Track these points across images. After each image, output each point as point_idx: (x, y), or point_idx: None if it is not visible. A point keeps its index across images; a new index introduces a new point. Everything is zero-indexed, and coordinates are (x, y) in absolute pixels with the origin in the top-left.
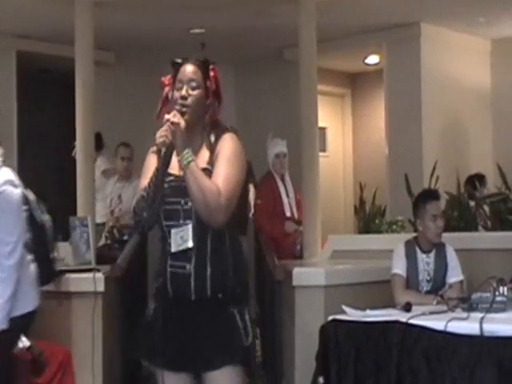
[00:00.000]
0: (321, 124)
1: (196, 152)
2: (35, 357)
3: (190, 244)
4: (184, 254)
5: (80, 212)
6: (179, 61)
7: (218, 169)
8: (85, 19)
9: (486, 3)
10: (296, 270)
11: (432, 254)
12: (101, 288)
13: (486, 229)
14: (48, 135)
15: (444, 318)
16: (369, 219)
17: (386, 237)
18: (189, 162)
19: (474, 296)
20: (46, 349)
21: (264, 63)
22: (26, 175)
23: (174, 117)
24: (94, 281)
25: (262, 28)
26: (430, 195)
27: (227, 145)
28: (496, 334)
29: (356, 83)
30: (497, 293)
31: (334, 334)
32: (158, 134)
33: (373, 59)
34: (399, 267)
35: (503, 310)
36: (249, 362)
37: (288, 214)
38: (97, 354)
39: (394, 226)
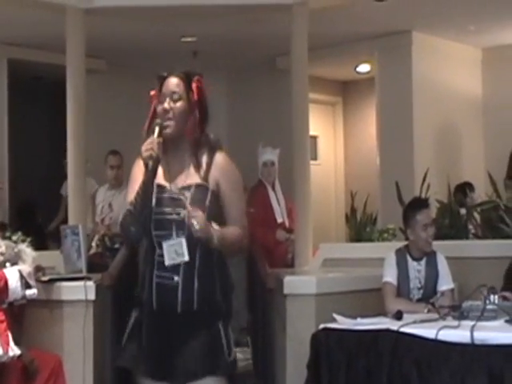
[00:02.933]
0: (312, 132)
1: (184, 166)
2: (26, 365)
3: (187, 258)
4: (172, 265)
5: (71, 220)
6: (164, 74)
7: (231, 206)
8: (76, 27)
9: (477, 12)
10: (287, 279)
11: (423, 262)
12: (92, 296)
13: (477, 237)
14: (39, 142)
15: (435, 327)
16: (360, 227)
17: (377, 245)
18: (212, 238)
19: (465, 304)
20: (38, 357)
21: (256, 71)
22: (18, 182)
23: (150, 150)
24: (85, 289)
25: (254, 36)
26: (420, 204)
27: (226, 170)
28: (487, 343)
29: (347, 91)
30: (487, 301)
31: (325, 342)
32: (144, 147)
33: (364, 68)
34: (390, 275)
35: (494, 319)
36: (232, 378)
37: (279, 220)
38: (88, 362)
39: (386, 234)
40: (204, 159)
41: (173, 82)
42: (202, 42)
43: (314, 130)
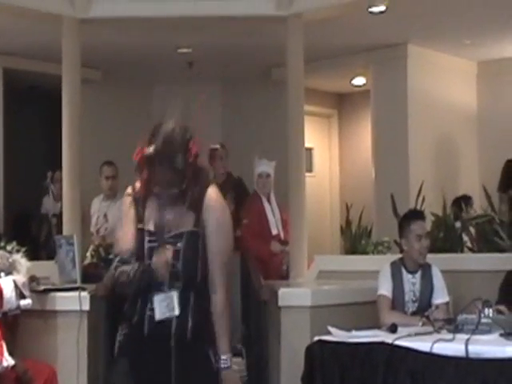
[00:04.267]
0: (307, 144)
1: (177, 208)
2: (20, 375)
3: (177, 312)
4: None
5: (66, 230)
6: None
7: (211, 249)
8: (72, 37)
9: (472, 25)
10: (282, 291)
11: (418, 275)
12: (86, 307)
13: (472, 250)
14: (34, 152)
15: (430, 340)
16: (355, 240)
17: (372, 257)
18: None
19: (460, 317)
20: (32, 367)
21: (251, 83)
22: (12, 192)
23: None
24: (79, 299)
25: (250, 47)
26: (415, 215)
27: (213, 210)
28: (481, 356)
29: (343, 104)
30: (482, 314)
31: (319, 355)
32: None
33: (360, 81)
34: (385, 288)
35: (488, 332)
36: None
37: (274, 232)
38: (82, 373)
39: (380, 247)
40: (195, 198)
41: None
42: (198, 53)
43: (309, 142)
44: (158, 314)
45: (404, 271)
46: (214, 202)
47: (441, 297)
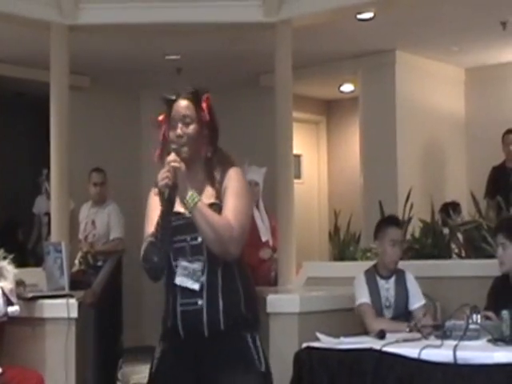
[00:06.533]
0: (296, 151)
1: (200, 187)
2: (7, 383)
3: (196, 287)
4: (185, 286)
5: (54, 237)
6: (172, 97)
7: (227, 203)
8: (60, 43)
9: (460, 32)
10: (270, 297)
11: (391, 281)
12: (74, 314)
13: (460, 256)
14: (22, 159)
15: (418, 346)
16: (343, 246)
17: (360, 264)
18: (195, 203)
19: (448, 323)
20: (19, 375)
21: (240, 89)
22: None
23: (174, 161)
24: (67, 307)
25: (238, 54)
26: (393, 221)
27: (234, 180)
28: (469, 362)
29: (331, 110)
30: (470, 320)
31: (308, 361)
32: (160, 175)
33: (348, 87)
34: (364, 296)
35: (477, 338)
36: None
37: (264, 238)
38: (70, 380)
39: (369, 253)
40: (218, 177)
41: (183, 105)
42: (186, 60)
43: (297, 148)
44: (179, 281)
45: (378, 277)
46: (235, 174)
47: (417, 301)
